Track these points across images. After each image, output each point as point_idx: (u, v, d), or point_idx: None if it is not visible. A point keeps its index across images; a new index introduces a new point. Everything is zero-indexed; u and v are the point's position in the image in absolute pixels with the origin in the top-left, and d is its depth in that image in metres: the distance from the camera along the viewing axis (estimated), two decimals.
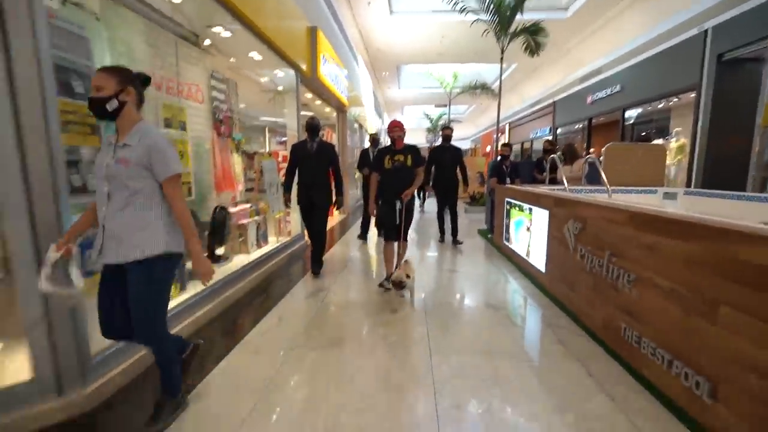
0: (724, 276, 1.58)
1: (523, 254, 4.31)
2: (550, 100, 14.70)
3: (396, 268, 3.50)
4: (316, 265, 4.33)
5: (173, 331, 2.45)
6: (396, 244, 3.69)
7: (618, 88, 10.01)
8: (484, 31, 9.34)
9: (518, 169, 5.93)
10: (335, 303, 3.51)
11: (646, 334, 2.10)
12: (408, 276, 3.26)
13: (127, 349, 2.23)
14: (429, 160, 5.53)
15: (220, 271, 3.60)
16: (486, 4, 8.51)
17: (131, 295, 1.67)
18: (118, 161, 1.61)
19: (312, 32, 5.35)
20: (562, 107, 13.96)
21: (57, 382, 1.86)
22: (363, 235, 6.22)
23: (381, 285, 3.81)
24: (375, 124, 13.87)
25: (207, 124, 3.84)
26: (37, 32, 1.73)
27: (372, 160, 4.72)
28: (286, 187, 4.24)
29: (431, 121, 26.65)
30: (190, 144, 3.41)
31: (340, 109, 7.71)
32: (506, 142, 7.89)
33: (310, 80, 5.59)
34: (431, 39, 12.98)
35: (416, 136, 33.69)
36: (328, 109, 7.73)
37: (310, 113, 7.44)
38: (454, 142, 5.82)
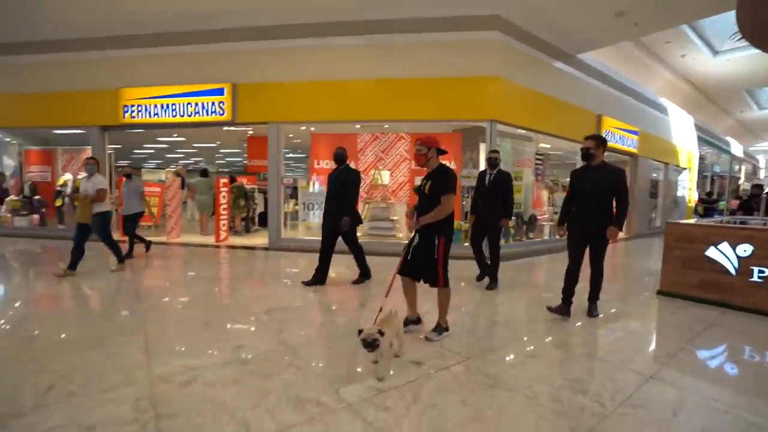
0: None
1: None
2: None
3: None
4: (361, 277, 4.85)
5: None
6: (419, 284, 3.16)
7: None
8: None
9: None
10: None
11: None
12: (381, 333, 2.37)
13: None
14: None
15: None
16: None
17: None
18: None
19: (598, 118, 9.10)
20: None
21: None
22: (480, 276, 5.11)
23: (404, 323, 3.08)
24: (692, 151, 14.35)
25: (531, 176, 8.69)
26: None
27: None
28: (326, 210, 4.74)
29: None
30: (523, 184, 8.35)
31: (632, 156, 10.68)
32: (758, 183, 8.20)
33: None
34: None
35: None
36: (624, 157, 10.85)
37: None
38: None
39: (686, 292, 4.39)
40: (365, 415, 2.02)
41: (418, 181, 8.03)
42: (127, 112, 7.97)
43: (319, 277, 4.75)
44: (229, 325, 3.40)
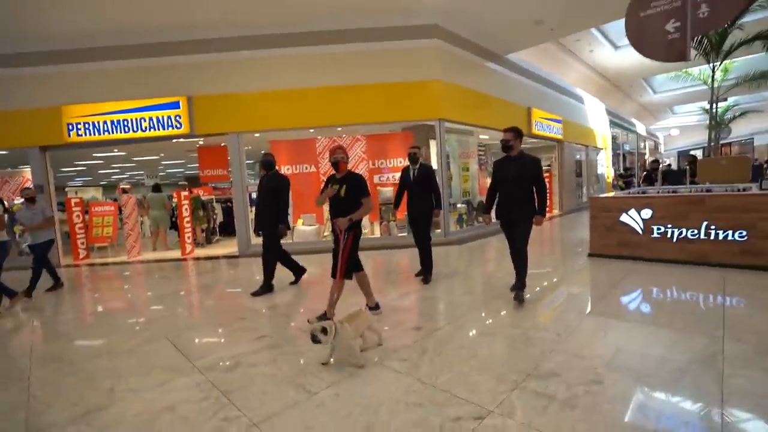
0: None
1: None
2: None
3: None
4: (263, 288, 4.74)
5: None
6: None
7: None
8: (695, 56, 11.12)
9: (668, 176, 8.63)
10: None
11: None
12: (324, 331, 2.49)
13: None
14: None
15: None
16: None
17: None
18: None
19: (528, 111, 10.36)
20: None
21: None
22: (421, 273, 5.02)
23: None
24: (605, 134, 16.55)
25: (476, 165, 9.67)
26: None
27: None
28: (256, 216, 4.93)
29: (713, 117, 23.89)
30: (470, 174, 9.28)
31: (558, 142, 12.18)
32: (655, 158, 10.04)
33: (528, 135, 10.58)
34: None
35: (696, 135, 29.72)
36: (550, 143, 12.31)
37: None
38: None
39: (609, 252, 5.48)
40: (391, 366, 2.61)
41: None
42: (72, 130, 7.67)
43: (299, 275, 5.23)
44: (240, 323, 3.78)
